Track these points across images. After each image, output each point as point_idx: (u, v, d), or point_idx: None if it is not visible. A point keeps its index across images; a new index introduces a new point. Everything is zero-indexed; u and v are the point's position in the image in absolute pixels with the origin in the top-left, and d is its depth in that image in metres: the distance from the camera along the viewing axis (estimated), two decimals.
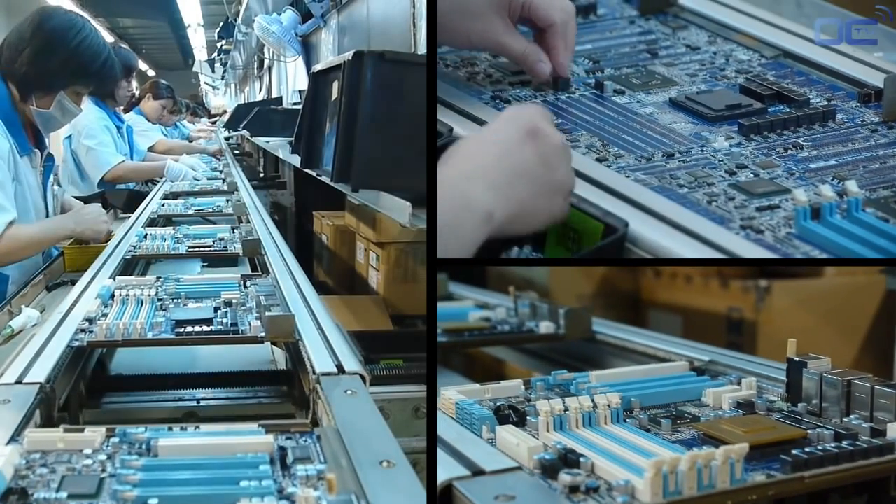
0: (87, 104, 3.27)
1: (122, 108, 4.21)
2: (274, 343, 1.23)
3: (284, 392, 1.19)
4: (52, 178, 2.18)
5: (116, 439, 0.76)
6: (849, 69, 1.18)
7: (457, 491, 0.76)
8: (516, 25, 1.12)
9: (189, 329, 1.08)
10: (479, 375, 1.84)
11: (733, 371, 1.11)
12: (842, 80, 1.17)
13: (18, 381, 0.89)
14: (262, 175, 4.87)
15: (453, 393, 0.99)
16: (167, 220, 2.33)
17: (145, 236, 1.81)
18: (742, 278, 2.34)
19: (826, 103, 1.13)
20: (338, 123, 1.29)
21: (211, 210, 2.37)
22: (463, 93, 1.17)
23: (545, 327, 1.40)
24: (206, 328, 1.08)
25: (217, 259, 1.80)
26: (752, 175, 1.02)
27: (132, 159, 3.92)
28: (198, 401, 1.16)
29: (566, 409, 0.89)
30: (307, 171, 1.61)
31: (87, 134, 3.52)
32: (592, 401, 0.90)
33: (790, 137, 1.08)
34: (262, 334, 1.05)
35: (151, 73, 17.78)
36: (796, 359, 0.96)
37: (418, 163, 0.99)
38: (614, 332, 1.42)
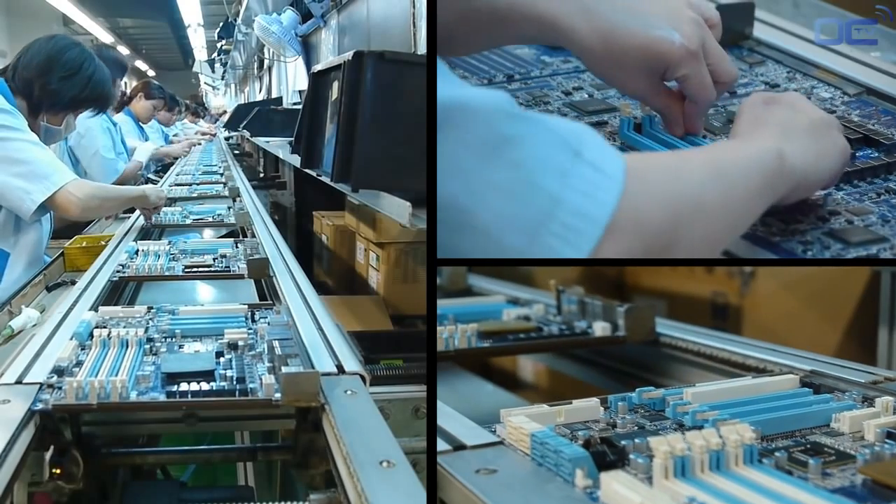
0: None
1: (112, 108, 4.22)
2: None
3: None
4: None
5: None
6: None
7: (438, 466, 0.77)
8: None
9: (184, 387, 0.86)
10: (502, 380, 1.79)
11: (847, 385, 0.96)
12: None
13: (18, 381, 0.89)
14: (262, 175, 4.88)
15: (523, 420, 0.81)
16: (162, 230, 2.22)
17: (136, 252, 1.67)
18: None
19: None
20: (338, 123, 1.29)
21: (211, 219, 2.29)
22: None
23: (601, 329, 1.21)
24: (205, 385, 0.87)
25: (217, 278, 1.59)
26: (844, 222, 0.96)
27: (127, 158, 3.95)
28: None
29: (689, 449, 0.70)
30: (307, 171, 1.61)
31: (91, 137, 3.54)
32: (719, 435, 0.72)
33: (881, 184, 1.02)
34: (278, 397, 0.84)
35: (151, 73, 17.79)
36: None
37: (418, 163, 0.99)
38: (680, 333, 1.24)
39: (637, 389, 0.92)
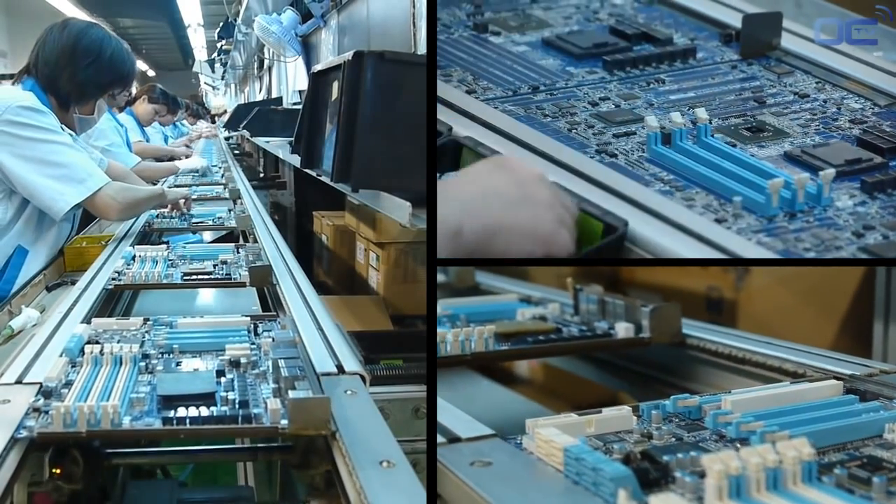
0: None
1: (117, 108, 4.24)
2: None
3: None
4: None
5: None
6: None
7: None
8: None
9: (181, 412, 0.79)
10: (512, 381, 1.76)
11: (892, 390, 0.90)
12: None
13: (18, 381, 0.89)
14: (262, 175, 4.88)
15: (553, 432, 0.76)
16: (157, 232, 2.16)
17: (133, 258, 1.60)
18: None
19: None
20: (338, 123, 1.30)
21: (211, 223, 2.22)
22: (564, 145, 1.08)
23: (624, 330, 1.15)
24: (204, 411, 0.80)
25: (217, 286, 1.54)
26: (880, 237, 0.94)
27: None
28: None
29: (743, 467, 0.64)
30: (307, 171, 1.61)
31: (99, 135, 3.54)
32: (775, 451, 0.66)
33: None
34: (284, 424, 0.77)
35: (151, 73, 17.80)
36: None
37: (418, 163, 1.00)
38: (709, 334, 1.19)
39: (672, 397, 0.87)
